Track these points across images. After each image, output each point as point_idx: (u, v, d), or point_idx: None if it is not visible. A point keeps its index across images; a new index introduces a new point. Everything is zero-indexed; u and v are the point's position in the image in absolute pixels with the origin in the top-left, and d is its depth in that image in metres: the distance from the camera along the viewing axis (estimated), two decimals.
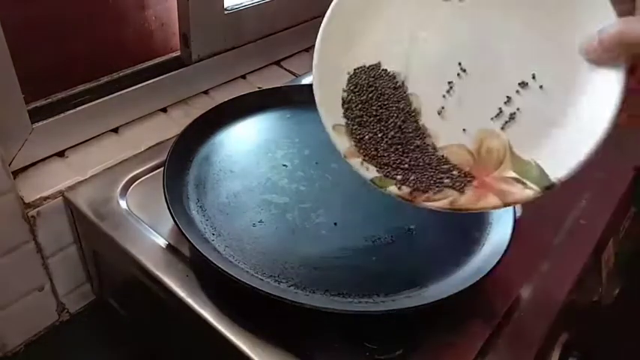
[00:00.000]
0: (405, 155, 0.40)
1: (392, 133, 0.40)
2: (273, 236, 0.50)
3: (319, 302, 0.44)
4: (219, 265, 0.44)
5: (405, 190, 0.39)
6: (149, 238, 0.51)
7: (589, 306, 0.60)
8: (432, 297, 0.45)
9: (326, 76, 0.40)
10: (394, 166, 0.40)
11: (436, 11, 0.40)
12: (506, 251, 0.47)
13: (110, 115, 0.64)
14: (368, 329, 0.45)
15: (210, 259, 0.44)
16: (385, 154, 0.40)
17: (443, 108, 0.40)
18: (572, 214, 0.60)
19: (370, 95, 0.40)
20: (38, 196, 0.54)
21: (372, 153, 0.40)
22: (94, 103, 0.62)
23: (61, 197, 0.56)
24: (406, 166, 0.40)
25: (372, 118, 0.40)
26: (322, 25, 0.40)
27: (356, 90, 0.41)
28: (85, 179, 0.58)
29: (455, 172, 0.39)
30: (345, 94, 0.41)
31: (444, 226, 0.52)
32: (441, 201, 0.39)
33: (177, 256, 0.50)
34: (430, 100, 0.40)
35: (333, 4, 0.40)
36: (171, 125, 0.67)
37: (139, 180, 0.58)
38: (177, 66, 0.70)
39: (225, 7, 0.72)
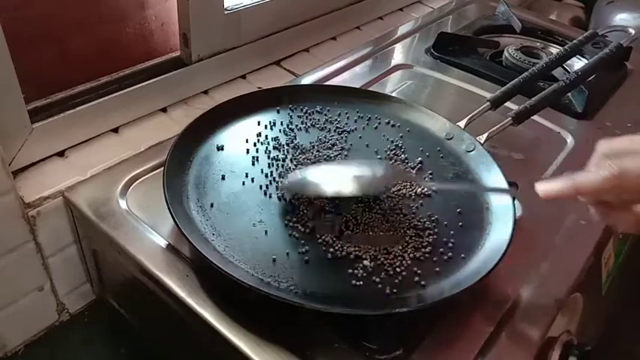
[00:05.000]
0: None
1: None
2: (274, 236, 0.50)
3: (319, 302, 0.44)
4: (219, 265, 0.44)
5: None
6: (149, 238, 0.51)
7: (589, 305, 0.60)
8: (432, 297, 0.45)
9: None
10: None
11: None
12: (506, 251, 0.47)
13: (110, 115, 0.64)
14: (368, 329, 0.45)
15: (210, 259, 0.44)
16: None
17: None
18: (572, 214, 0.60)
19: None
20: (38, 196, 0.54)
21: None
22: (94, 103, 0.62)
23: (61, 197, 0.56)
24: None
25: None
26: None
27: None
28: (85, 179, 0.58)
29: None
30: None
31: (444, 226, 0.52)
32: None
33: (177, 256, 0.50)
34: None
35: None
36: (171, 125, 0.67)
37: (139, 180, 0.58)
38: (177, 66, 0.70)
39: (225, 7, 0.72)
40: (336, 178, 0.51)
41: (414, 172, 0.58)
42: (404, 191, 0.55)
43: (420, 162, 0.59)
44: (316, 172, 0.52)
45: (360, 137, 0.63)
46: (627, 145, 0.38)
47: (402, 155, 0.60)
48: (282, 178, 0.55)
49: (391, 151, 0.61)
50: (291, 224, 0.50)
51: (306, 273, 0.46)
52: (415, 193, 0.55)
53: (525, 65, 0.83)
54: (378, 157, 0.60)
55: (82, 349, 0.63)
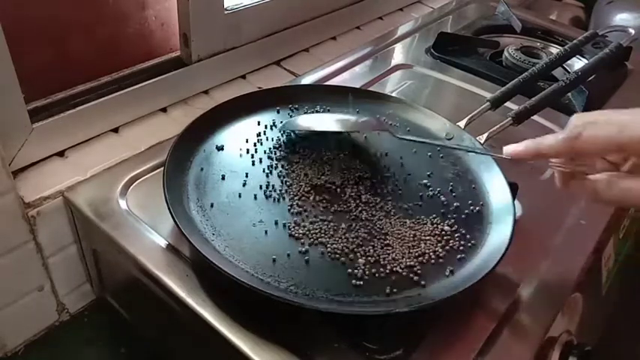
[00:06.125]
0: None
1: None
2: (274, 236, 0.50)
3: (319, 302, 0.44)
4: (219, 265, 0.44)
5: None
6: (149, 238, 0.51)
7: (589, 306, 0.60)
8: (432, 297, 0.45)
9: None
10: None
11: None
12: (506, 251, 0.47)
13: (110, 115, 0.64)
14: (368, 329, 0.45)
15: (210, 259, 0.44)
16: None
17: None
18: (572, 214, 0.60)
19: None
20: (38, 196, 0.54)
21: None
22: (94, 103, 0.62)
23: (61, 197, 0.56)
24: None
25: None
26: None
27: None
28: (85, 179, 0.58)
29: None
30: None
31: (444, 226, 0.52)
32: None
33: (177, 256, 0.50)
34: None
35: None
36: (171, 125, 0.67)
37: (139, 180, 0.58)
38: (177, 66, 0.70)
39: (225, 7, 0.72)
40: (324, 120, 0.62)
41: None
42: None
43: None
44: (308, 117, 0.63)
45: (360, 137, 0.63)
46: (596, 117, 0.39)
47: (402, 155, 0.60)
48: (292, 179, 0.56)
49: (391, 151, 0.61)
50: (291, 224, 0.51)
51: (306, 273, 0.46)
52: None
53: (525, 65, 0.83)
54: (378, 156, 0.60)
55: (82, 349, 0.63)
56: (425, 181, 0.57)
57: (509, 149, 0.45)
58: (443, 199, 0.55)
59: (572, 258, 0.55)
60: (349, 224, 0.51)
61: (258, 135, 0.61)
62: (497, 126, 0.62)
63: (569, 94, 0.77)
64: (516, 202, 0.56)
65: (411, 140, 0.58)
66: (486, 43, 0.92)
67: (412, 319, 0.46)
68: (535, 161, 0.45)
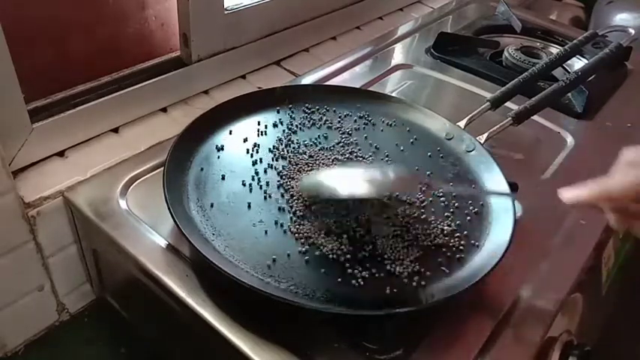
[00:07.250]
0: None
1: None
2: (274, 236, 0.50)
3: (319, 302, 0.44)
4: (219, 265, 0.44)
5: None
6: (149, 238, 0.51)
7: (589, 305, 0.60)
8: (432, 297, 0.45)
9: None
10: None
11: None
12: (506, 251, 0.47)
13: (110, 115, 0.64)
14: (368, 329, 0.45)
15: (210, 259, 0.44)
16: None
17: None
18: (572, 214, 0.60)
19: None
20: (38, 196, 0.54)
21: None
22: (94, 103, 0.62)
23: (61, 197, 0.56)
24: None
25: None
26: None
27: None
28: (85, 179, 0.58)
29: None
30: None
31: (444, 227, 0.52)
32: None
33: (177, 256, 0.50)
34: None
35: None
36: (172, 125, 0.67)
37: (139, 180, 0.58)
38: (177, 66, 0.70)
39: (225, 7, 0.72)
40: (349, 181, 0.51)
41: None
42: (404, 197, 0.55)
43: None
44: (330, 175, 0.53)
45: (360, 137, 0.63)
46: None
47: (402, 155, 0.60)
48: (292, 180, 0.55)
49: (391, 151, 0.61)
50: (291, 224, 0.51)
51: (306, 273, 0.47)
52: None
53: (525, 65, 0.83)
54: (381, 158, 0.60)
55: (82, 349, 0.63)
56: (425, 180, 0.57)
57: (568, 195, 0.40)
58: (443, 199, 0.55)
59: (572, 258, 0.55)
60: (349, 224, 0.51)
61: (258, 135, 0.61)
62: (497, 126, 0.62)
63: (569, 94, 0.77)
64: (516, 202, 0.56)
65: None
66: (486, 43, 0.92)
67: (412, 319, 0.46)
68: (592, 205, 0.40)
